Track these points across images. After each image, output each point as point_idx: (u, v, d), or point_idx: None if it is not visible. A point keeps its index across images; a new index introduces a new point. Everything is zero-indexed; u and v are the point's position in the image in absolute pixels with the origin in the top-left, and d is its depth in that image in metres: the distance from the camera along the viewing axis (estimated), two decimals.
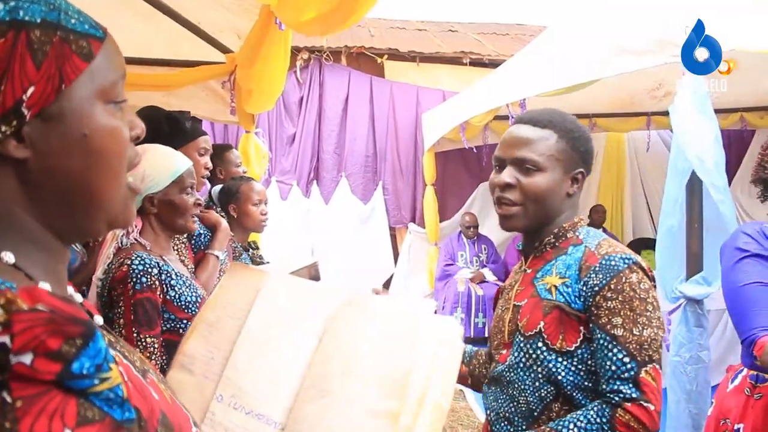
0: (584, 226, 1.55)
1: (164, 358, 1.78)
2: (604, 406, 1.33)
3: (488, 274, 6.63)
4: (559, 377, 1.40)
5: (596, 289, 1.38)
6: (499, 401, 1.52)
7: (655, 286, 1.42)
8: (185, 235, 2.38)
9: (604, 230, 7.14)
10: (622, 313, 1.35)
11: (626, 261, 1.39)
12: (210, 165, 2.65)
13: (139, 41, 3.86)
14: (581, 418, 1.34)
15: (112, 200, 0.73)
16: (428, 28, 9.27)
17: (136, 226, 1.88)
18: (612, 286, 1.36)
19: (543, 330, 1.42)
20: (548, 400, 1.42)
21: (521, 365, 1.46)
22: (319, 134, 7.42)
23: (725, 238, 2.02)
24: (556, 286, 1.44)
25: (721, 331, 4.55)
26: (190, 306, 1.86)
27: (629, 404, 1.30)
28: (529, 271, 1.55)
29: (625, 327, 1.34)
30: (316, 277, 2.68)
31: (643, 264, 1.41)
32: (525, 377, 1.45)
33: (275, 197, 7.19)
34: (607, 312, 1.36)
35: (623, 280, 1.36)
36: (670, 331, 2.69)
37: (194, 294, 1.90)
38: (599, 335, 1.37)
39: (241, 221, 2.94)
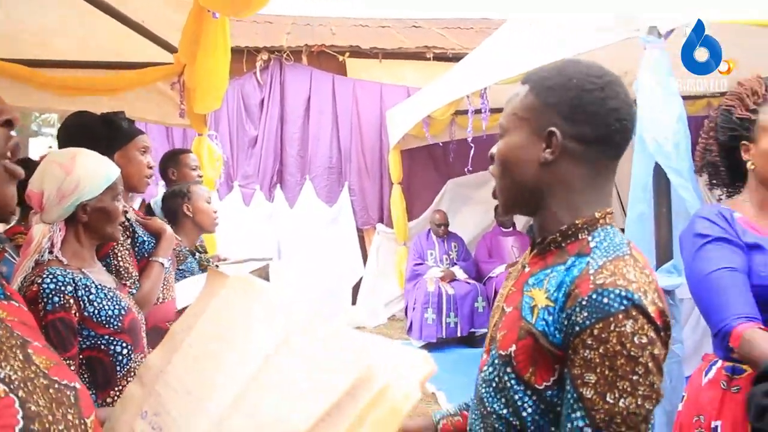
0: (607, 227, 1.17)
1: (86, 376, 1.71)
2: None
3: (459, 272, 6.49)
4: (524, 414, 1.13)
5: (577, 329, 1.05)
6: (474, 415, 1.28)
7: (660, 338, 1.04)
8: (128, 242, 2.34)
9: None
10: (598, 371, 1.02)
11: (624, 302, 1.02)
12: (153, 163, 2.58)
13: (80, 43, 3.71)
14: None
15: None
16: (391, 24, 9.15)
17: (60, 230, 1.78)
18: (595, 333, 1.03)
19: (513, 356, 1.15)
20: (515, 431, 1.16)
21: (493, 385, 1.21)
22: (282, 136, 7.24)
23: None
24: (539, 309, 1.14)
25: (695, 321, 4.47)
26: (112, 320, 1.77)
27: None
28: (526, 270, 1.25)
29: (597, 390, 1.02)
30: (265, 279, 2.62)
31: (648, 307, 1.03)
32: (494, 400, 1.19)
33: (238, 203, 7.07)
34: (582, 363, 1.04)
35: (612, 328, 1.01)
36: None
37: (116, 307, 1.80)
38: (569, 387, 1.06)
39: (196, 220, 2.97)
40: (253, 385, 0.95)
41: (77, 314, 1.70)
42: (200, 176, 3.61)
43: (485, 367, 1.25)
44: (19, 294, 1.67)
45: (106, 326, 1.75)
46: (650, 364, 1.02)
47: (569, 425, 1.04)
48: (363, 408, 0.83)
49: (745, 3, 2.36)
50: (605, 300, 1.03)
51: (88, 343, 1.72)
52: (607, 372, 1.01)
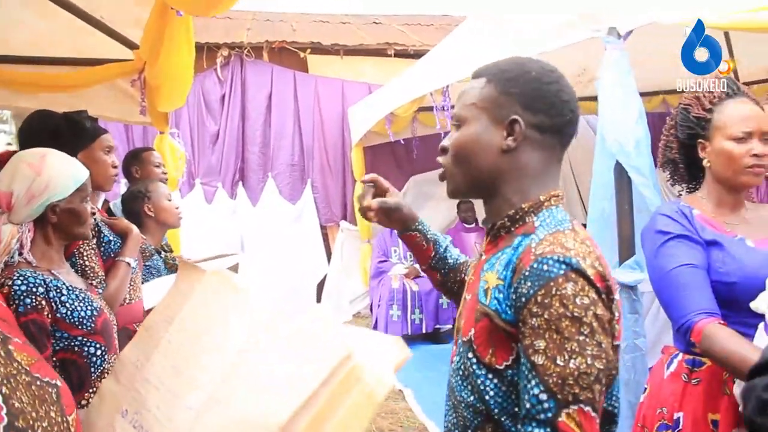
0: (552, 208, 1.23)
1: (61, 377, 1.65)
2: None
3: None
4: (488, 397, 1.15)
5: (524, 300, 1.08)
6: (447, 407, 1.31)
7: (603, 300, 1.09)
8: (94, 241, 2.31)
9: None
10: (546, 336, 1.05)
11: (563, 266, 1.06)
12: (117, 163, 2.56)
13: (36, 38, 3.61)
14: None
15: None
16: (352, 21, 9.12)
17: (29, 231, 1.75)
18: (539, 299, 1.06)
19: (473, 339, 1.18)
20: (480, 419, 1.18)
21: (460, 373, 1.23)
22: (243, 134, 7.17)
23: None
24: (491, 289, 1.17)
25: (654, 313, 4.55)
26: (84, 321, 1.76)
27: None
28: (482, 257, 1.30)
29: (547, 354, 1.04)
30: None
31: (587, 270, 1.07)
32: (462, 388, 1.22)
33: (200, 200, 6.99)
34: (530, 332, 1.07)
35: (553, 292, 1.05)
36: None
37: (89, 308, 1.79)
38: (523, 360, 1.09)
39: (159, 218, 2.95)
40: (230, 379, 0.95)
41: (50, 315, 1.68)
42: (165, 173, 3.56)
43: (455, 357, 1.28)
44: None
45: (79, 327, 1.74)
46: (595, 324, 1.05)
47: (526, 396, 1.06)
48: (334, 390, 0.84)
49: (701, 4, 2.40)
50: (545, 267, 1.07)
51: (61, 344, 1.71)
52: (554, 336, 1.04)
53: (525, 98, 1.21)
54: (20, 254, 1.73)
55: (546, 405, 1.03)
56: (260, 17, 8.60)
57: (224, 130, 7.11)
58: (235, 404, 0.91)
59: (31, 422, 0.86)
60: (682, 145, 1.93)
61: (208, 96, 7.09)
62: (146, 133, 6.74)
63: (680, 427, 1.77)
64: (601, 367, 1.05)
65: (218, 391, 0.95)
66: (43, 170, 1.74)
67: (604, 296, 1.09)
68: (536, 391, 1.04)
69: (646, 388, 1.99)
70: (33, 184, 1.72)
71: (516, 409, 1.13)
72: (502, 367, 1.13)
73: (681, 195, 2.01)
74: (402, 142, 6.71)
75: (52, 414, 0.92)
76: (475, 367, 1.17)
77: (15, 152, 2.90)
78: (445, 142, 1.31)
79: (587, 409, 1.03)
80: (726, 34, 4.00)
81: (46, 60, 3.81)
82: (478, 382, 1.16)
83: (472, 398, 1.19)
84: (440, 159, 1.32)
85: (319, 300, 7.17)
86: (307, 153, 7.27)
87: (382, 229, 7.07)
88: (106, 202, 3.00)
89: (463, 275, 1.61)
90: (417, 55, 6.90)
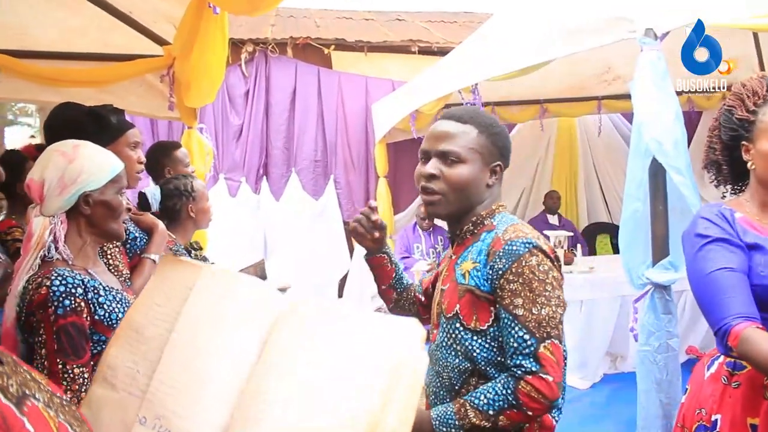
0: (502, 212, 1.65)
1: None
2: (509, 378, 1.47)
3: None
4: (474, 354, 1.55)
5: (500, 272, 1.49)
6: (430, 377, 1.67)
7: (556, 266, 1.53)
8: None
9: (559, 216, 7.12)
10: (522, 295, 1.47)
11: (527, 245, 1.49)
12: (143, 159, 2.47)
13: (67, 34, 3.65)
14: (490, 390, 1.48)
15: None
16: (375, 17, 9.11)
17: (62, 224, 1.66)
18: (513, 270, 1.48)
19: (459, 312, 1.57)
20: (466, 375, 1.57)
21: (444, 344, 1.61)
22: (267, 129, 7.19)
23: (690, 220, 1.92)
24: (468, 271, 1.57)
25: (679, 312, 4.53)
26: None
27: (530, 377, 1.43)
28: (453, 257, 1.68)
29: (525, 307, 1.46)
30: (262, 276, 2.57)
31: (543, 246, 1.52)
32: (447, 355, 1.60)
33: (224, 194, 7.00)
34: (509, 294, 1.48)
35: (523, 264, 1.47)
36: (638, 320, 2.60)
37: (126, 309, 1.68)
38: (503, 315, 1.49)
39: (198, 219, 2.86)
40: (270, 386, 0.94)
41: (88, 318, 1.60)
42: (192, 172, 3.52)
43: (437, 337, 1.65)
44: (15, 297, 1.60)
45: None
46: (555, 283, 1.50)
47: (512, 340, 1.47)
48: (384, 389, 0.87)
49: (742, 4, 2.37)
50: (514, 248, 1.49)
51: (99, 348, 1.60)
52: (528, 294, 1.47)
53: (503, 149, 1.66)
54: (56, 249, 1.64)
55: (529, 342, 1.45)
56: (284, 13, 8.62)
57: (248, 126, 7.13)
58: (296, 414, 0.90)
59: None
60: (726, 146, 1.89)
61: (233, 91, 7.11)
62: (171, 128, 6.77)
63: (717, 430, 1.76)
64: (562, 312, 1.51)
65: (256, 405, 0.93)
66: (76, 158, 1.67)
67: (556, 264, 1.54)
68: (520, 333, 1.46)
69: (687, 389, 1.98)
70: (66, 172, 1.64)
71: (499, 359, 1.53)
72: (485, 328, 1.53)
73: (725, 196, 1.99)
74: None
75: None
76: (462, 334, 1.56)
77: (40, 145, 2.92)
78: (433, 171, 1.61)
79: (556, 341, 1.47)
80: (755, 35, 3.96)
81: (75, 55, 3.85)
82: (466, 344, 1.55)
83: (457, 360, 1.57)
84: (431, 184, 1.62)
85: (341, 295, 7.19)
86: (330, 149, 7.28)
87: (405, 224, 7.08)
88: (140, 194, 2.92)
89: (412, 295, 1.97)
90: (441, 52, 6.88)
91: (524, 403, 1.44)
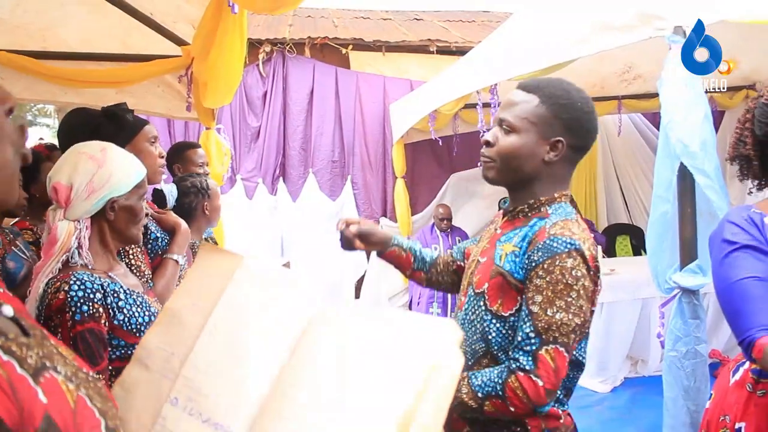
0: (562, 203, 1.57)
1: None
2: (504, 369, 1.45)
3: None
4: (490, 337, 1.52)
5: (533, 265, 1.44)
6: None
7: (591, 275, 1.45)
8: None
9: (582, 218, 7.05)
10: (543, 293, 1.41)
11: (568, 245, 1.42)
12: (164, 153, 2.44)
13: (87, 35, 3.67)
14: (487, 374, 1.47)
15: None
16: (393, 17, 9.11)
17: (87, 229, 1.64)
18: (545, 266, 1.42)
19: (486, 291, 1.54)
20: (479, 354, 1.55)
21: (468, 317, 1.59)
22: (285, 130, 7.18)
23: (716, 224, 1.85)
24: (507, 254, 1.52)
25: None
26: (142, 328, 1.64)
27: (521, 374, 1.41)
28: (498, 231, 1.63)
29: (541, 306, 1.41)
30: None
31: (585, 252, 1.43)
32: (467, 329, 1.58)
33: (241, 196, 7.02)
34: (534, 288, 1.43)
35: (557, 263, 1.41)
36: (664, 325, 2.55)
37: (147, 313, 1.68)
38: (523, 307, 1.46)
39: (211, 217, 2.90)
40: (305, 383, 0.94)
41: (107, 323, 1.57)
42: (207, 173, 3.52)
43: (464, 306, 1.63)
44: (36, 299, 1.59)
45: (137, 335, 1.61)
46: (582, 292, 1.42)
47: (520, 333, 1.44)
48: (420, 389, 0.86)
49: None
50: (554, 244, 1.42)
51: (118, 353, 1.59)
52: (549, 294, 1.41)
53: (570, 124, 1.53)
54: (79, 254, 1.62)
55: (532, 340, 1.41)
56: (302, 13, 8.64)
57: (266, 126, 7.13)
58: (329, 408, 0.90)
59: (115, 421, 0.83)
60: (759, 141, 1.81)
61: (250, 92, 7.12)
62: (187, 128, 6.80)
63: None
64: (579, 322, 1.43)
65: (284, 402, 0.93)
66: (105, 162, 1.64)
67: (592, 273, 1.45)
68: (528, 330, 1.42)
69: (711, 395, 1.95)
70: (95, 177, 1.61)
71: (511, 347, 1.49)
72: (507, 315, 1.49)
73: (751, 192, 1.93)
74: (439, 142, 6.61)
75: (114, 410, 0.87)
76: (483, 313, 1.54)
77: (51, 145, 2.91)
78: (490, 137, 1.59)
79: (561, 349, 1.41)
80: None
81: (94, 56, 3.86)
82: (485, 324, 1.53)
83: (475, 337, 1.56)
84: (485, 150, 1.60)
85: (357, 296, 7.17)
86: (347, 149, 7.26)
87: (423, 225, 7.06)
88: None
89: (443, 266, 1.98)
90: (459, 51, 6.84)
91: (508, 397, 1.41)
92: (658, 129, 3.16)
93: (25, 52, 3.58)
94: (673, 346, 2.47)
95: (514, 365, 1.42)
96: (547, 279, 1.41)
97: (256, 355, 1.00)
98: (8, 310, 0.75)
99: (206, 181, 2.89)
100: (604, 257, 5.96)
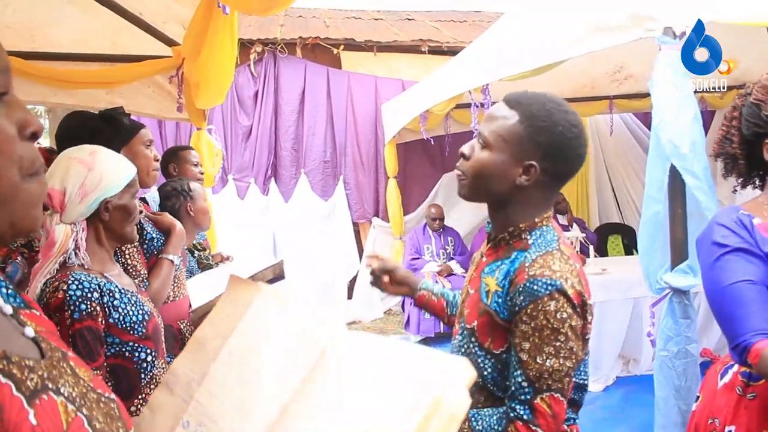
0: (543, 227, 1.49)
1: (111, 385, 1.64)
2: (503, 416, 1.42)
3: (455, 267, 6.46)
4: (485, 373, 1.49)
5: (516, 309, 1.39)
6: None
7: (577, 314, 1.38)
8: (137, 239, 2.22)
9: (570, 215, 7.06)
10: (531, 340, 1.37)
11: (549, 287, 1.36)
12: (159, 156, 2.51)
13: (77, 35, 3.64)
14: (487, 418, 1.45)
15: (4, 203, 0.70)
16: (384, 17, 9.10)
17: (83, 231, 1.71)
18: (528, 311, 1.37)
19: (476, 329, 1.50)
20: (474, 389, 1.46)
21: (461, 350, 1.55)
22: (276, 130, 7.16)
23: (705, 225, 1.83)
24: (492, 293, 1.47)
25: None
26: (136, 327, 1.71)
27: (520, 423, 1.37)
28: (484, 260, 1.58)
29: (530, 354, 1.37)
30: (280, 276, 2.61)
31: (568, 291, 1.36)
32: None
33: (233, 196, 7.01)
34: (520, 334, 1.38)
35: (539, 308, 1.35)
36: (655, 324, 2.55)
37: (140, 312, 1.74)
38: (512, 352, 1.42)
39: (197, 219, 2.91)
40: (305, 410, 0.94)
41: (103, 322, 1.63)
42: (202, 173, 3.55)
43: (458, 336, 1.59)
44: (34, 300, 1.61)
45: (131, 333, 1.69)
46: (569, 333, 1.36)
47: (513, 380, 1.40)
48: (421, 422, 0.84)
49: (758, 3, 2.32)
50: (535, 287, 1.36)
51: (113, 350, 1.66)
52: (536, 340, 1.36)
53: (547, 149, 1.43)
54: (76, 255, 1.68)
55: (526, 390, 1.37)
56: (293, 13, 8.61)
57: (257, 126, 7.11)
58: None
59: None
60: (745, 140, 1.78)
61: (242, 92, 7.10)
62: (179, 129, 6.79)
63: None
64: (570, 365, 1.38)
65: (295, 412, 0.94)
66: (95, 165, 1.70)
67: (578, 309, 1.38)
68: (520, 379, 1.38)
69: (698, 397, 1.93)
70: (86, 180, 1.68)
71: (507, 383, 1.44)
72: (498, 352, 1.46)
73: (736, 190, 1.92)
74: (431, 142, 6.60)
75: (121, 431, 0.88)
76: (476, 349, 1.50)
77: (51, 149, 2.91)
78: (466, 150, 1.52)
79: (557, 395, 1.37)
80: None
81: (85, 57, 3.84)
82: (479, 361, 1.49)
83: None
84: (460, 163, 1.54)
85: (350, 297, 7.16)
86: (339, 149, 7.25)
87: (414, 225, 7.05)
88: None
89: None
90: (451, 51, 6.84)
91: None
92: (649, 129, 3.17)
93: (14, 53, 3.56)
94: (664, 346, 2.48)
95: (512, 414, 1.39)
96: (532, 325, 1.36)
97: (267, 382, 1.01)
98: (29, 332, 0.78)
99: (188, 183, 2.93)
100: (596, 257, 5.96)
